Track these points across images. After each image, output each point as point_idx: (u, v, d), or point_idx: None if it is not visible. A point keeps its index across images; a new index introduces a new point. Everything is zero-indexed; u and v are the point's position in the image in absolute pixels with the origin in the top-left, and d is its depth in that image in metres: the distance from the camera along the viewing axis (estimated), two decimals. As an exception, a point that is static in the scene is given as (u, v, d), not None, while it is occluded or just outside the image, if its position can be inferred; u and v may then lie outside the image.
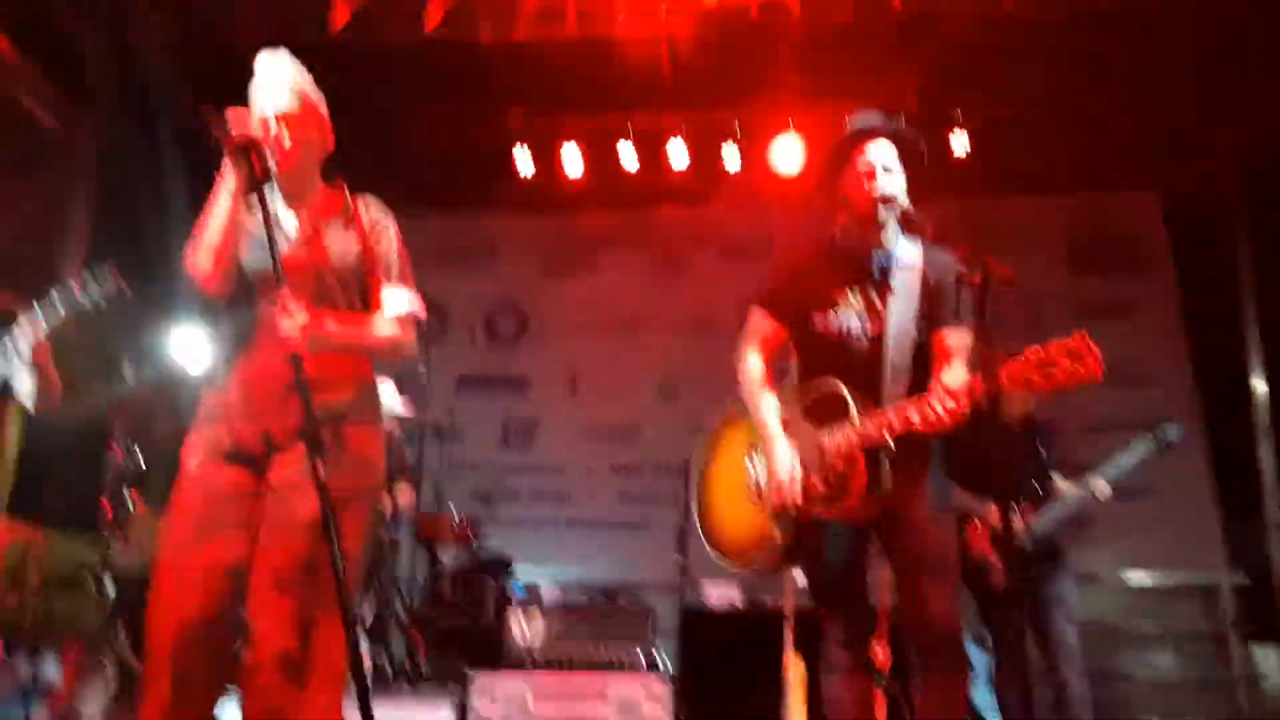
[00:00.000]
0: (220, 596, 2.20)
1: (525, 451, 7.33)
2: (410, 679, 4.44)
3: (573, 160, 7.06)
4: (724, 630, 4.60)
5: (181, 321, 6.30)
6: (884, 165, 2.63)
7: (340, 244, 2.42)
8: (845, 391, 2.51)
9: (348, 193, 2.52)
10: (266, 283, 2.26)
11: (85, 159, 6.06)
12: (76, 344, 3.67)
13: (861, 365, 2.56)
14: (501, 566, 5.38)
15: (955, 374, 2.49)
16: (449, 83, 6.61)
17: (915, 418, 2.40)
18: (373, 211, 2.51)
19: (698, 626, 4.59)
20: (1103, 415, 6.48)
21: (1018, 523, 4.08)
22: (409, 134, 7.09)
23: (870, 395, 2.52)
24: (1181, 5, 5.62)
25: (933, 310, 2.59)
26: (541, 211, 7.81)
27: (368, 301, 2.46)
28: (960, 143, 6.68)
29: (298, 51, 2.48)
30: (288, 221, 2.43)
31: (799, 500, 2.53)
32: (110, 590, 4.86)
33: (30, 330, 3.30)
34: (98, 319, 3.55)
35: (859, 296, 2.62)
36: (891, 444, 2.46)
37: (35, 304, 3.35)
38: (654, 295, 7.67)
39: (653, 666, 4.30)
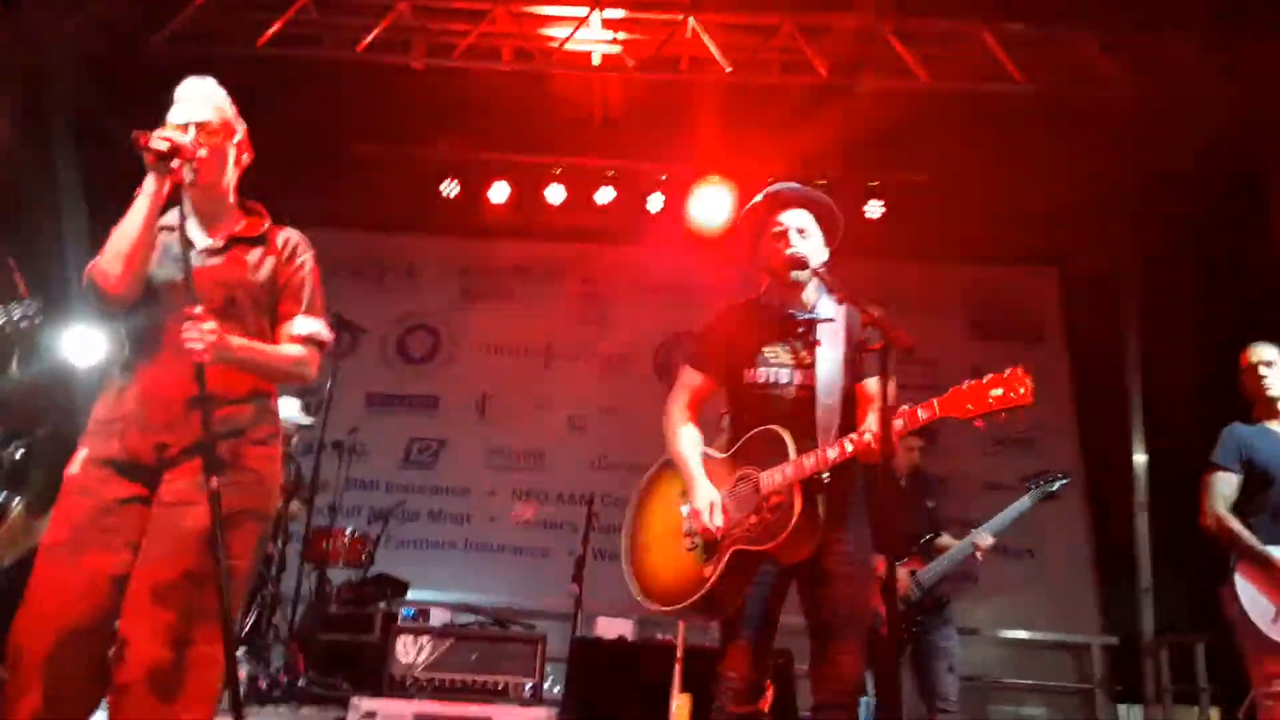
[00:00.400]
0: (102, 605, 2.15)
1: (428, 472, 7.24)
2: (287, 696, 4.30)
3: (498, 191, 7.09)
4: (614, 662, 4.58)
5: (75, 320, 6.09)
6: (798, 228, 2.75)
7: (254, 265, 2.43)
8: (783, 433, 2.59)
9: (268, 219, 2.53)
10: (173, 296, 2.27)
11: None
12: None
13: (794, 415, 2.64)
14: (392, 587, 5.27)
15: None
16: (380, 102, 6.57)
17: (849, 447, 2.49)
18: (292, 240, 2.53)
19: (588, 657, 4.57)
20: (991, 476, 6.75)
21: (904, 575, 4.19)
22: (333, 149, 7.02)
23: (807, 440, 2.58)
24: (1087, 93, 5.95)
25: (856, 361, 2.70)
26: (462, 236, 7.82)
27: (274, 327, 2.45)
28: (873, 207, 6.93)
29: (224, 61, 2.47)
30: (201, 237, 2.42)
31: (720, 526, 2.59)
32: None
33: None
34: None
35: (786, 351, 2.73)
36: (826, 479, 2.54)
37: None
38: (569, 328, 7.70)
39: (539, 696, 4.26)
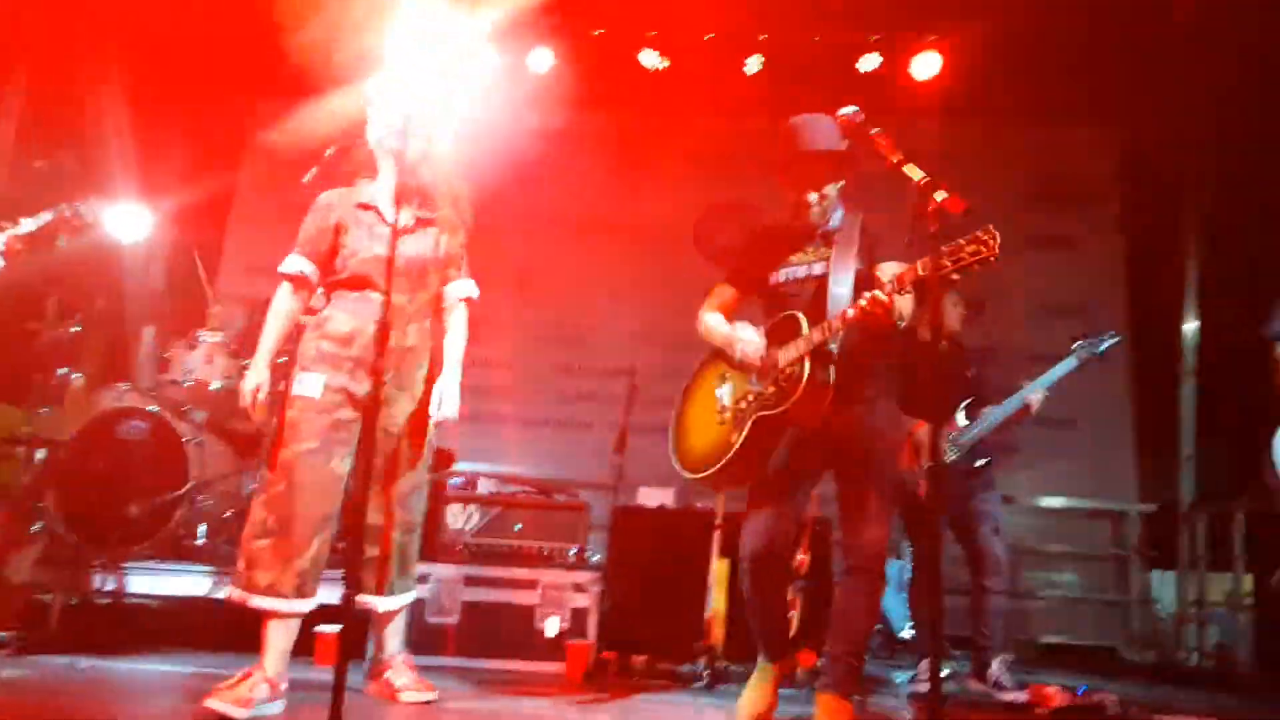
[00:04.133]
0: (339, 499, 3.01)
1: (470, 346, 7.29)
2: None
3: (540, 58, 6.90)
4: (654, 528, 4.72)
5: (117, 194, 6.16)
6: (820, 194, 3.08)
7: (434, 241, 3.24)
8: (799, 315, 2.94)
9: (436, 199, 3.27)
10: (378, 265, 2.94)
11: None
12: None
13: (810, 303, 2.98)
14: (440, 457, 5.40)
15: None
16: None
17: (851, 313, 2.80)
18: (452, 218, 3.30)
19: (629, 524, 4.70)
20: (1038, 345, 6.67)
21: (941, 438, 4.19)
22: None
23: (820, 320, 2.90)
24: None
25: (870, 250, 3.03)
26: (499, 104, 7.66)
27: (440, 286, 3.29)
28: (929, 64, 6.65)
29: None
30: (394, 215, 2.92)
31: (762, 352, 2.99)
32: (39, 458, 4.84)
33: (18, 229, 3.68)
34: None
35: (805, 255, 3.12)
36: (835, 349, 2.88)
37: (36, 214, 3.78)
38: (610, 200, 7.61)
39: (583, 561, 4.41)
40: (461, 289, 3.35)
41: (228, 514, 4.62)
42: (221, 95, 7.82)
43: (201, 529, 4.49)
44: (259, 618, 2.91)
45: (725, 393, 3.08)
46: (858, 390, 2.94)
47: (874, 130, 2.69)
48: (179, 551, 4.38)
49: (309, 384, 2.99)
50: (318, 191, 3.31)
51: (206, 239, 7.54)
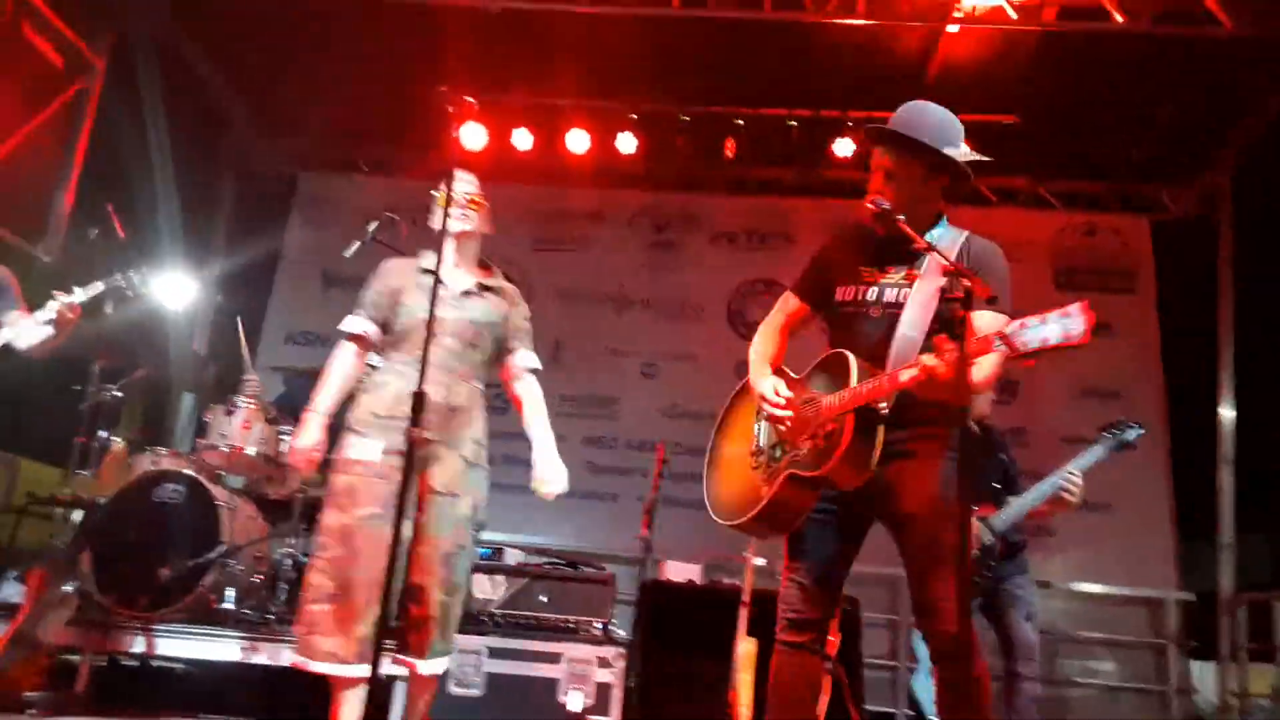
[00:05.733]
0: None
1: (500, 417, 7.35)
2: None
3: (576, 139, 7.11)
4: (681, 605, 4.66)
5: (164, 262, 6.36)
6: (884, 170, 2.67)
7: (493, 308, 3.24)
8: (850, 357, 2.52)
9: (499, 272, 3.35)
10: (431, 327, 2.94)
11: (83, 100, 6.11)
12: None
13: (876, 335, 2.56)
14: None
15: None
16: (457, 47, 6.57)
17: (904, 377, 2.35)
18: (516, 290, 3.37)
19: (656, 599, 4.66)
20: (1072, 429, 6.61)
21: (976, 522, 4.16)
22: (413, 95, 7.06)
23: (878, 364, 2.49)
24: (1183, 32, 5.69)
25: (949, 300, 2.42)
26: (537, 183, 7.86)
27: (500, 358, 3.30)
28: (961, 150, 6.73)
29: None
30: (456, 281, 3.18)
31: (785, 408, 2.57)
32: (75, 519, 4.92)
33: (71, 298, 3.81)
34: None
35: (885, 273, 2.64)
36: (886, 408, 2.44)
37: (88, 283, 3.94)
38: (643, 275, 7.72)
39: (609, 636, 4.37)
40: (528, 359, 3.35)
41: (256, 578, 4.65)
42: (266, 166, 8.10)
43: (230, 593, 4.51)
44: (288, 682, 2.91)
45: (763, 430, 2.72)
46: (917, 453, 2.52)
47: (901, 217, 2.52)
48: (208, 615, 4.40)
49: (367, 448, 2.96)
50: (359, 265, 3.36)
51: (250, 308, 7.74)
